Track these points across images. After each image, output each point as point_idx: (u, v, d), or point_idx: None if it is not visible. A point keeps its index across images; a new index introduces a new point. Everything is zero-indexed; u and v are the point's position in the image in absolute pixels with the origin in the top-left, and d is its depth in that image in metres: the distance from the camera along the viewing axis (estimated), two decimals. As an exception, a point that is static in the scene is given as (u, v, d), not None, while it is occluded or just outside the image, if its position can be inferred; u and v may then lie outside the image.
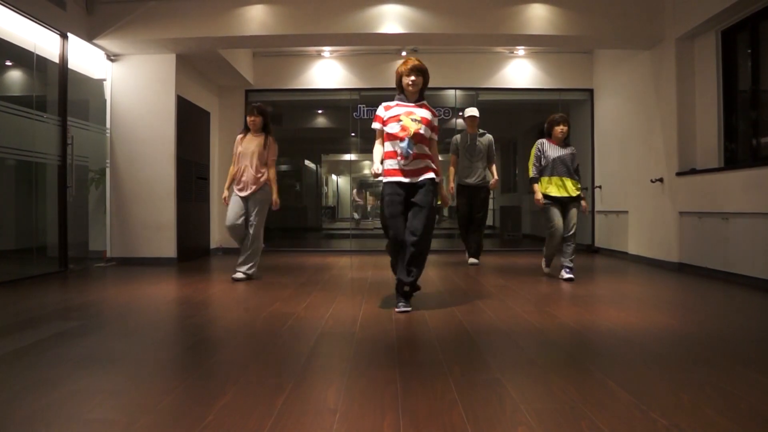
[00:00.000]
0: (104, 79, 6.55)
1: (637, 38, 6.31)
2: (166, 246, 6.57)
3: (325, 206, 17.09)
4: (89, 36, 6.08)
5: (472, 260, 6.38)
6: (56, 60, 5.64)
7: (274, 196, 5.00)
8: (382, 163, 3.65)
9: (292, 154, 12.46)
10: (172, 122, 6.59)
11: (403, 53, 7.87)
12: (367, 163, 15.14)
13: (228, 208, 4.96)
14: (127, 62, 6.59)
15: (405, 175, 3.57)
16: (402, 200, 3.57)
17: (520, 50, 8.16)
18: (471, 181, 6.23)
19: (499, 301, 3.96)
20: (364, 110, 8.52)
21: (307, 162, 13.25)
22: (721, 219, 5.11)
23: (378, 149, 3.69)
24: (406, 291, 3.60)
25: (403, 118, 3.58)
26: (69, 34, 5.69)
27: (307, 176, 13.39)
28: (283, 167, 12.19)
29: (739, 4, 4.95)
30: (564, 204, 4.97)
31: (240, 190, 4.93)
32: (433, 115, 3.70)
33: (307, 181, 13.32)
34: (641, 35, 6.23)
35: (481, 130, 6.31)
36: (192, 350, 2.73)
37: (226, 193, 5.07)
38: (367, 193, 18.00)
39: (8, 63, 5.73)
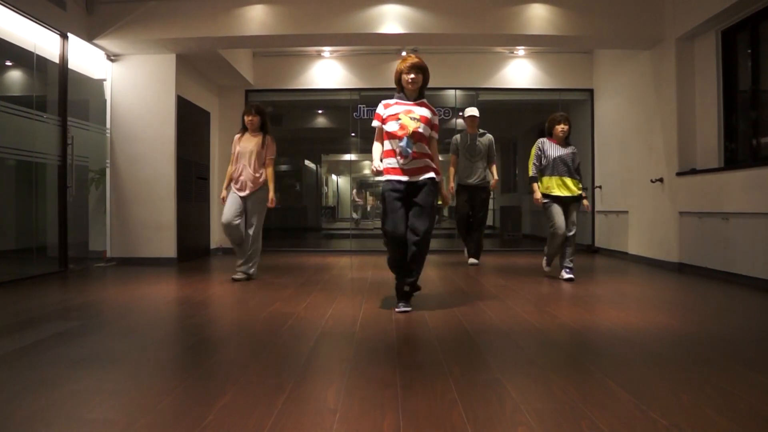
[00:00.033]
0: (104, 79, 6.55)
1: (637, 38, 6.31)
2: (166, 246, 6.57)
3: (325, 206, 17.08)
4: (89, 36, 6.09)
5: (472, 260, 6.38)
6: (56, 60, 5.64)
7: (271, 194, 4.97)
8: (381, 161, 3.62)
9: (292, 154, 12.47)
10: (172, 122, 6.59)
11: (403, 53, 7.86)
12: (367, 163, 15.14)
13: (225, 205, 4.93)
14: (127, 62, 6.60)
15: (404, 174, 3.54)
16: (401, 197, 3.53)
17: (520, 50, 8.16)
18: (471, 181, 6.21)
19: (499, 301, 3.96)
20: (364, 110, 8.53)
21: (307, 162, 13.25)
22: (721, 219, 5.11)
23: (377, 147, 3.66)
24: (406, 291, 3.59)
25: (402, 116, 3.55)
26: (69, 34, 5.69)
27: (307, 176, 13.39)
28: (283, 167, 12.19)
29: (739, 4, 4.95)
30: (565, 203, 4.94)
31: (239, 189, 4.92)
32: (433, 113, 3.66)
33: (307, 181, 13.32)
34: (641, 35, 6.23)
35: (481, 130, 6.29)
36: (192, 350, 2.73)
37: (224, 193, 5.04)
38: (367, 193, 17.99)
39: (8, 63, 5.74)
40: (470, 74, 8.35)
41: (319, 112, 11.03)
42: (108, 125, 6.57)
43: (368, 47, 7.89)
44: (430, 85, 3.81)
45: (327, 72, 8.41)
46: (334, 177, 19.09)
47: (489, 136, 6.31)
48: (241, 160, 4.93)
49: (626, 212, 7.19)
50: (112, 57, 6.56)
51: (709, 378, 2.18)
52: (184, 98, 6.91)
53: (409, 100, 3.66)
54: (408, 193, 3.55)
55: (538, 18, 6.11)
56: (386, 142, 3.61)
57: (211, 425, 1.70)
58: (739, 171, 4.97)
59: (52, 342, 2.80)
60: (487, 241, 8.68)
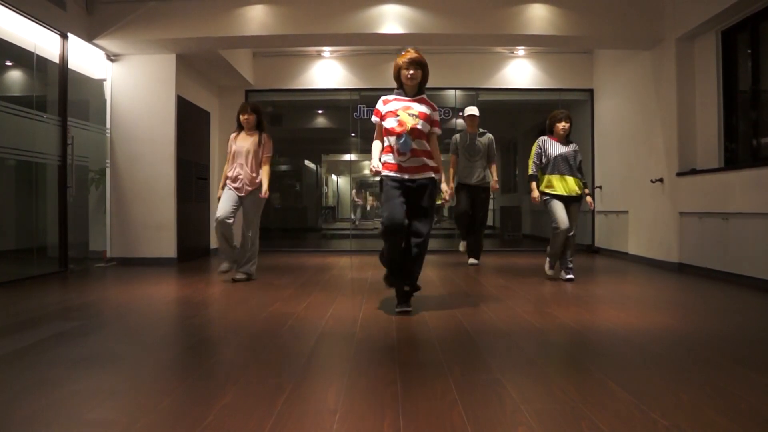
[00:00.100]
0: (104, 79, 6.55)
1: (637, 38, 6.31)
2: (166, 246, 6.57)
3: (325, 206, 17.08)
4: (89, 36, 6.08)
5: (472, 260, 6.38)
6: (56, 60, 5.64)
7: (265, 186, 4.88)
8: (380, 160, 3.58)
9: (292, 155, 12.47)
10: (172, 122, 6.59)
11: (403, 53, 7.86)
12: (367, 163, 15.13)
13: (220, 202, 4.85)
14: (127, 62, 6.60)
15: (404, 171, 3.50)
16: (400, 187, 3.47)
17: (520, 50, 8.16)
18: (471, 181, 6.17)
19: (500, 301, 3.96)
20: (364, 110, 8.52)
21: (307, 162, 13.25)
22: (722, 219, 5.11)
23: (377, 145, 3.60)
24: (406, 291, 3.57)
25: (400, 113, 3.50)
26: (69, 34, 5.69)
27: (307, 176, 13.39)
28: (283, 167, 12.19)
29: (739, 5, 4.95)
30: (566, 202, 4.89)
31: (236, 189, 4.89)
32: (433, 109, 3.60)
33: (307, 182, 13.31)
34: (641, 35, 6.22)
35: (481, 130, 6.27)
36: (192, 350, 2.73)
37: (220, 192, 4.97)
38: (367, 193, 17.99)
39: (8, 63, 5.74)
40: (470, 74, 8.35)
41: (319, 112, 11.03)
42: (108, 125, 6.57)
43: (368, 47, 7.88)
44: (430, 84, 3.77)
45: (327, 72, 8.41)
46: (334, 177, 19.09)
47: (489, 135, 6.28)
48: (237, 159, 4.90)
49: (626, 212, 7.19)
50: (112, 57, 6.56)
51: (709, 378, 2.18)
52: (184, 98, 6.92)
53: (408, 96, 3.60)
54: (407, 188, 3.49)
55: (538, 18, 6.11)
56: (385, 139, 3.57)
57: (212, 425, 1.70)
58: (740, 171, 4.97)
59: (52, 342, 2.80)
60: (488, 241, 8.69)
